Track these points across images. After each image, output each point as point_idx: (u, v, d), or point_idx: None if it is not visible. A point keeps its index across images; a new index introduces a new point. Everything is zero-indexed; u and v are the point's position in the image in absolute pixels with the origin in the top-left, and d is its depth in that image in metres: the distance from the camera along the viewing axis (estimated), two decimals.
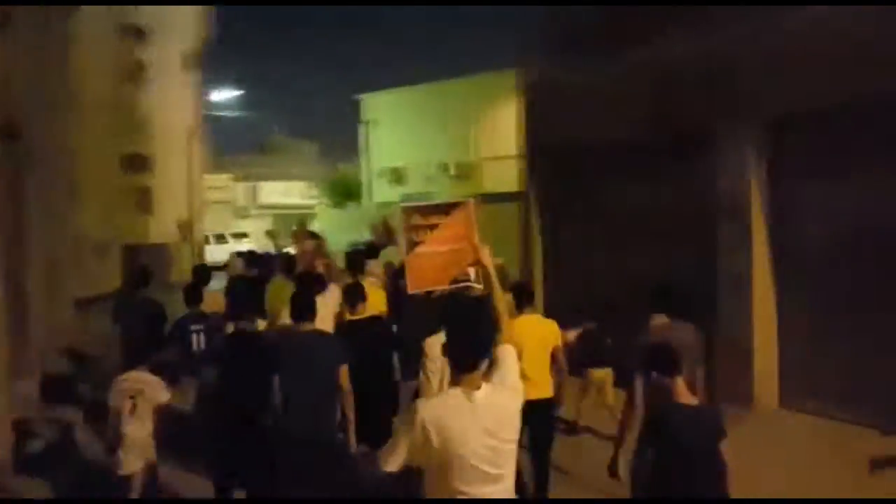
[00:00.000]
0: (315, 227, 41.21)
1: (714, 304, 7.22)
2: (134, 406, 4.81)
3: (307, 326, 4.49)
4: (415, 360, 4.64)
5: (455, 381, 2.48)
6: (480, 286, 3.44)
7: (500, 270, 5.08)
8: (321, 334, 4.70)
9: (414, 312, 5.40)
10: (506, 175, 24.66)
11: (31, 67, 10.06)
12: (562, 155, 9.20)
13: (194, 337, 5.86)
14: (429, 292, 4.18)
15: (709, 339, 4.96)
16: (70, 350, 10.10)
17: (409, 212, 3.63)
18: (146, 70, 22.16)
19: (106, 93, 19.47)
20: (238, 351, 4.53)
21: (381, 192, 30.09)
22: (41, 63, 10.81)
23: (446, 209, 3.53)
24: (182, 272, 22.85)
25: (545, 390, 4.80)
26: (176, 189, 23.94)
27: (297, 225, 9.00)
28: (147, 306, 6.92)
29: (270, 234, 10.34)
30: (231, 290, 6.83)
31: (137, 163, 20.87)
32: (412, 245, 3.50)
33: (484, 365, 2.49)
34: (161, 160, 22.64)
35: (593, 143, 8.54)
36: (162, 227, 22.62)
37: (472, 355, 2.47)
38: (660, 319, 4.35)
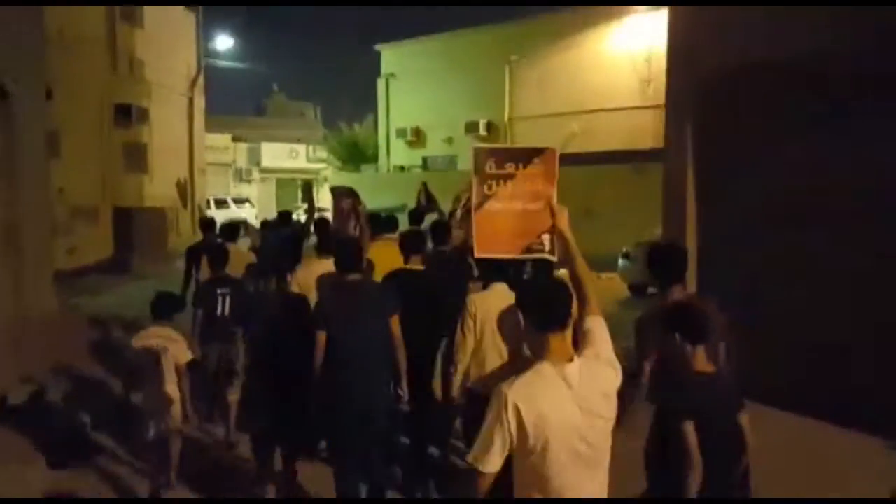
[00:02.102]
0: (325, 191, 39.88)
1: None
2: (158, 364, 4.70)
3: (354, 276, 4.36)
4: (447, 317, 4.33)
5: (539, 351, 2.26)
6: (555, 258, 3.09)
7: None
8: (371, 283, 4.72)
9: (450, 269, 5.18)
10: (548, 135, 23.00)
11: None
12: (723, 99, 6.92)
13: (220, 300, 5.83)
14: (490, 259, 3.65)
15: None
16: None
17: (483, 156, 3.16)
18: (143, 7, 19.87)
19: (96, 31, 17.31)
20: (283, 306, 4.57)
21: (399, 155, 28.13)
22: None
23: (527, 157, 3.10)
24: (181, 239, 21.10)
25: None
26: (174, 146, 21.85)
27: (304, 189, 8.47)
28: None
29: (307, 188, 9.64)
30: (264, 248, 6.95)
31: (131, 115, 18.68)
32: (484, 198, 3.09)
33: (570, 327, 2.30)
34: (157, 112, 20.47)
35: (775, 78, 6.39)
36: (158, 189, 20.55)
37: (560, 309, 2.27)
38: (679, 292, 3.84)
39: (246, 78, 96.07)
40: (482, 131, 25.08)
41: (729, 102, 6.77)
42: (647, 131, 20.63)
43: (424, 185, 8.48)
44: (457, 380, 3.98)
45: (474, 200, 3.13)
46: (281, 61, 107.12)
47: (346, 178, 29.25)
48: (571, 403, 2.19)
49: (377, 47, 29.06)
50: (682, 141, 7.18)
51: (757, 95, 6.62)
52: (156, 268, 17.01)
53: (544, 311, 2.29)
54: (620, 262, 12.55)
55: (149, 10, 19.99)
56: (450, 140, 26.41)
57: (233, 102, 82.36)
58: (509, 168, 3.10)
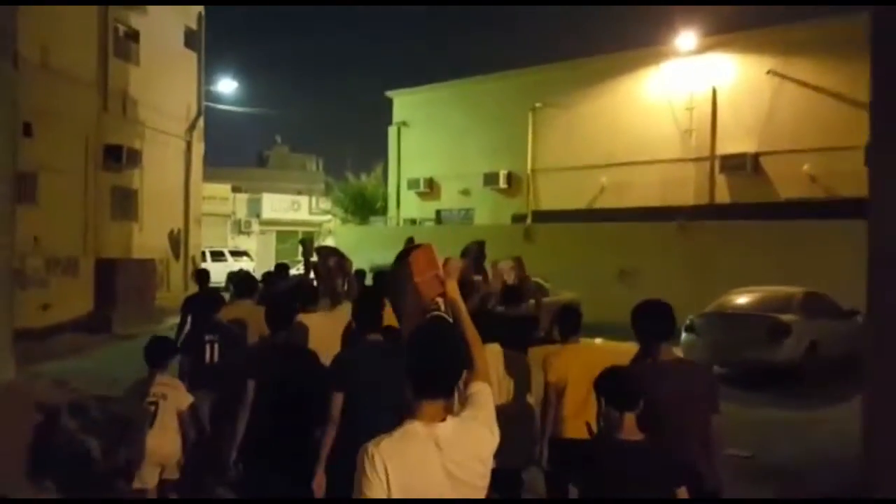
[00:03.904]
0: (331, 244, 38.79)
1: None
2: (156, 413, 4.67)
3: (374, 336, 4.21)
4: None
5: (413, 410, 2.24)
6: (450, 318, 2.99)
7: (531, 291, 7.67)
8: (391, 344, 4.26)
9: None
10: (574, 188, 21.77)
11: None
12: None
13: (208, 348, 5.84)
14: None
15: None
16: None
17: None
18: (139, 42, 18.78)
19: (86, 66, 16.13)
20: (289, 361, 4.50)
21: (410, 207, 26.90)
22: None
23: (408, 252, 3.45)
24: (171, 295, 19.58)
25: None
26: (168, 193, 20.51)
27: (304, 242, 9.12)
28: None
29: (304, 243, 8.97)
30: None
31: (121, 157, 17.35)
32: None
33: (452, 396, 2.31)
34: (151, 156, 19.17)
35: None
36: (148, 240, 19.11)
37: (438, 378, 2.26)
38: (668, 353, 3.72)
39: (247, 125, 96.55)
40: (502, 183, 23.80)
41: None
42: (687, 186, 19.35)
43: (410, 240, 8.15)
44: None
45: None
46: (284, 107, 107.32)
47: (352, 231, 27.94)
48: (439, 466, 2.16)
49: (389, 94, 28.07)
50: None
51: None
52: (141, 326, 15.59)
53: (427, 379, 2.26)
54: (684, 335, 10.97)
55: (145, 46, 18.95)
56: (466, 192, 25.16)
57: (232, 152, 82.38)
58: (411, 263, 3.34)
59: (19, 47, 10.70)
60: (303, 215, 42.29)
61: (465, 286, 6.12)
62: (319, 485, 3.94)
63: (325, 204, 38.83)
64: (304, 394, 4.29)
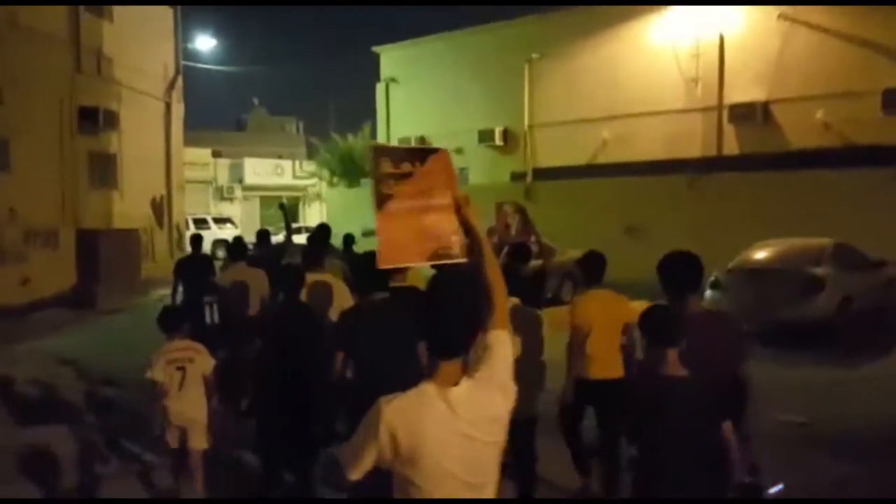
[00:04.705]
0: (317, 209, 38.02)
1: None
2: (183, 378, 4.72)
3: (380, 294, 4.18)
4: None
5: (429, 371, 2.21)
6: (464, 260, 2.74)
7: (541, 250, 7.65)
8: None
9: None
10: (574, 144, 21.09)
11: None
12: None
13: (207, 309, 6.11)
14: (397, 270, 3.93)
15: None
16: None
17: (378, 154, 2.92)
18: None
19: (57, 23, 15.09)
20: (294, 320, 4.67)
21: None
22: None
23: (422, 155, 2.88)
24: (157, 265, 18.84)
25: (614, 369, 4.75)
26: (149, 158, 19.58)
27: (283, 206, 9.40)
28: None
29: (283, 207, 9.42)
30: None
31: (98, 119, 16.40)
32: (382, 199, 2.84)
33: (469, 354, 2.22)
34: (129, 118, 18.19)
35: None
36: (130, 208, 18.26)
37: (453, 339, 2.20)
38: (696, 304, 3.82)
39: (224, 86, 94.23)
40: (498, 140, 23.06)
41: None
42: (694, 137, 18.72)
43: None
44: None
45: (374, 202, 2.89)
46: (263, 65, 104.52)
47: (342, 195, 27.18)
48: (452, 428, 2.12)
49: (376, 49, 27.07)
50: None
51: None
52: (126, 300, 14.98)
53: (439, 339, 2.21)
54: (709, 293, 10.46)
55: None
56: (459, 150, 24.28)
57: (209, 114, 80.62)
58: (405, 167, 2.89)
59: None
60: (286, 180, 41.35)
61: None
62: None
63: (310, 167, 37.85)
64: (310, 352, 4.47)
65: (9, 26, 12.94)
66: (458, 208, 2.62)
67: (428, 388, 2.16)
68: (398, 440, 2.08)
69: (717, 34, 18.61)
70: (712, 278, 10.75)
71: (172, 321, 4.97)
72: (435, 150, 2.95)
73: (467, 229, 2.59)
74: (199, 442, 4.80)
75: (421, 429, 2.09)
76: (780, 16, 17.63)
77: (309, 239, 8.27)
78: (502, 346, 2.30)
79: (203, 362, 4.83)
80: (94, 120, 16.32)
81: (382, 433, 2.08)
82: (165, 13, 20.91)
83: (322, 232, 7.97)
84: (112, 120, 17.15)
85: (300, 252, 6.89)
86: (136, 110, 18.71)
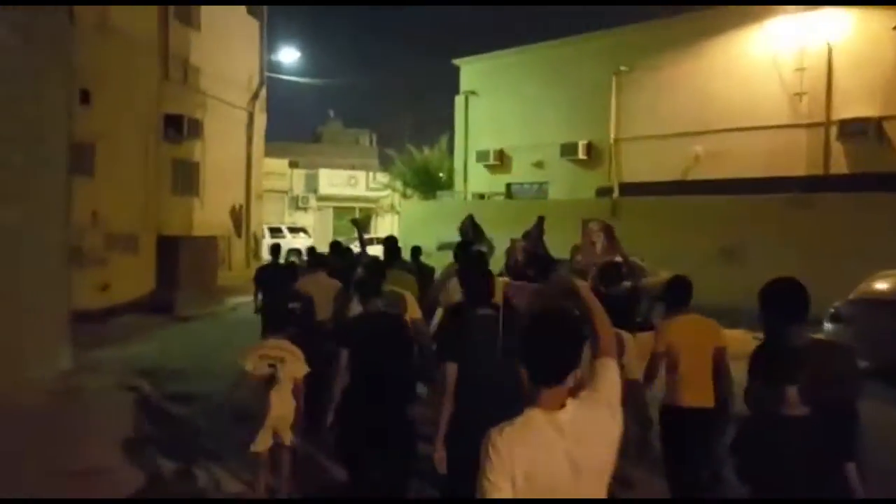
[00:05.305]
0: (392, 221, 38.01)
1: None
2: (273, 376, 4.77)
3: (484, 310, 4.26)
4: None
5: (532, 397, 2.26)
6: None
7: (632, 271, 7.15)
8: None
9: None
10: (663, 159, 20.10)
11: None
12: None
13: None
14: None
15: None
16: None
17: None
18: (200, 7, 17.84)
19: (146, 29, 15.20)
20: (382, 330, 4.54)
21: (479, 181, 25.62)
22: None
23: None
24: (233, 274, 18.81)
25: (706, 397, 4.60)
26: (230, 166, 19.66)
27: (356, 222, 9.68)
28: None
29: (356, 222, 9.66)
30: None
31: (182, 128, 16.47)
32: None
33: (570, 380, 2.25)
34: (212, 127, 18.28)
35: None
36: (210, 216, 18.31)
37: (554, 370, 2.25)
38: (800, 335, 3.31)
39: (301, 96, 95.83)
40: (581, 154, 22.22)
41: None
42: (798, 155, 17.51)
43: (470, 217, 8.52)
44: None
45: None
46: (340, 77, 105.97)
47: (418, 207, 26.84)
48: (562, 453, 2.16)
49: (456, 62, 26.68)
50: None
51: None
52: (203, 307, 14.89)
53: (541, 367, 2.25)
54: (827, 325, 9.48)
55: (206, 11, 17.99)
56: (539, 164, 23.71)
57: (286, 125, 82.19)
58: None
59: (76, 8, 9.79)
60: (360, 191, 41.61)
61: (538, 261, 7.28)
62: (441, 460, 3.99)
63: (383, 179, 37.99)
64: (398, 363, 4.42)
65: (99, 29, 12.99)
66: (577, 293, 2.64)
67: (534, 415, 2.19)
68: (515, 466, 2.10)
69: (825, 44, 17.38)
70: (832, 309, 9.77)
71: (278, 321, 5.15)
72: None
73: (584, 305, 2.59)
74: (286, 438, 4.85)
75: (533, 455, 2.12)
76: (895, 27, 16.33)
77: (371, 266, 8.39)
78: (608, 370, 2.36)
79: (296, 365, 4.84)
80: (179, 128, 16.41)
81: (504, 459, 2.11)
82: (251, 24, 21.07)
83: (390, 243, 8.13)
84: (196, 128, 17.24)
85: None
86: (219, 119, 18.82)
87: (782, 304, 3.40)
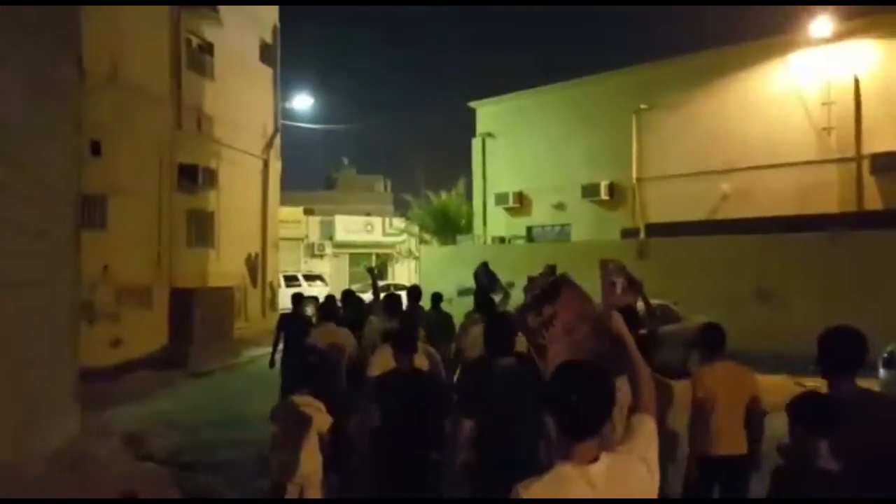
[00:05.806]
0: (409, 267, 37.67)
1: None
2: (303, 432, 4.80)
3: (507, 360, 4.24)
4: None
5: (563, 450, 2.20)
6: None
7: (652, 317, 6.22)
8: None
9: None
10: (688, 198, 19.61)
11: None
12: None
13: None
14: None
15: None
16: None
17: (523, 314, 3.18)
18: (213, 55, 17.77)
19: (158, 79, 15.07)
20: (414, 386, 4.58)
21: (498, 224, 25.22)
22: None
23: (551, 294, 3.10)
24: (249, 325, 18.39)
25: (739, 445, 4.64)
26: (245, 215, 19.39)
27: (370, 270, 9.72)
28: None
29: (370, 270, 9.71)
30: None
31: (197, 177, 16.24)
32: (541, 351, 3.00)
33: (605, 431, 2.21)
34: (227, 176, 18.07)
35: None
36: (225, 266, 17.96)
37: (585, 425, 2.17)
38: (843, 384, 3.23)
39: (314, 143, 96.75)
40: (604, 195, 21.81)
41: None
42: (830, 191, 16.97)
43: (484, 264, 8.50)
44: None
45: (537, 359, 3.01)
46: (355, 123, 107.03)
47: (436, 252, 26.41)
48: None
49: (472, 104, 26.52)
50: None
51: None
52: (219, 361, 14.46)
53: (573, 420, 2.17)
54: (882, 372, 8.86)
55: (220, 60, 17.92)
56: (560, 206, 23.29)
57: (300, 172, 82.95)
58: (547, 312, 3.06)
59: (86, 59, 9.57)
60: (376, 237, 41.41)
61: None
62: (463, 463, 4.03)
63: (399, 224, 37.72)
64: (428, 418, 4.45)
65: (109, 81, 12.83)
66: (606, 323, 2.62)
67: (565, 470, 2.13)
68: None
69: (851, 77, 16.98)
70: (885, 354, 9.15)
71: (302, 378, 5.11)
72: (561, 283, 3.15)
73: (616, 338, 2.56)
74: (314, 494, 4.85)
75: None
76: None
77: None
78: (645, 426, 2.31)
79: (320, 419, 4.86)
80: (194, 177, 16.18)
81: None
82: (265, 72, 21.02)
83: (415, 292, 8.49)
84: (211, 177, 17.03)
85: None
86: (234, 168, 18.62)
87: (843, 352, 3.31)
